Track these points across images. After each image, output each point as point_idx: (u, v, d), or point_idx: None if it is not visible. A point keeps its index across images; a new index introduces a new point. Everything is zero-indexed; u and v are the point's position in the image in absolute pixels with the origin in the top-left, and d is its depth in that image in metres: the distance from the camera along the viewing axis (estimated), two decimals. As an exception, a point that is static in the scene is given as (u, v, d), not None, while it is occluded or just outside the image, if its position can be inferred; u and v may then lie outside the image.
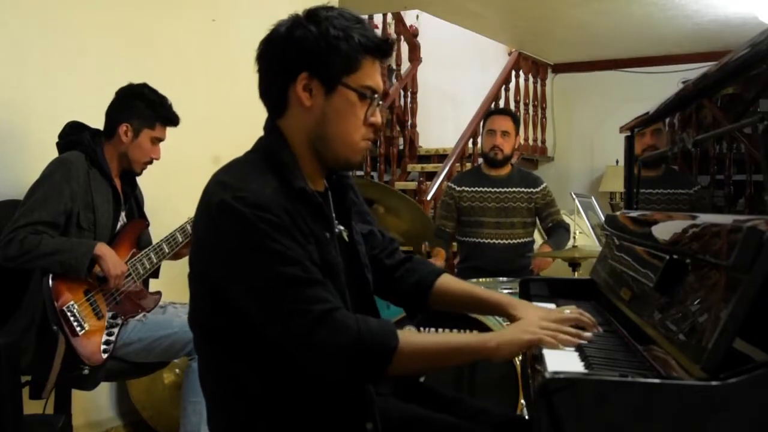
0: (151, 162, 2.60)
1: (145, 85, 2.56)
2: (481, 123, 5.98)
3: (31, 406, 2.29)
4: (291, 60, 1.37)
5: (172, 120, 2.59)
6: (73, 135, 2.50)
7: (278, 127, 1.43)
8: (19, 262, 2.24)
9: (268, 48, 1.41)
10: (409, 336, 1.33)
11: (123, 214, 2.58)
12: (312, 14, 1.39)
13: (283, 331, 1.28)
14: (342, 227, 1.52)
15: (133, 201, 2.65)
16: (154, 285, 2.65)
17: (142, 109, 2.52)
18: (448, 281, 1.66)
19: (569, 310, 1.55)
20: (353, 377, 1.31)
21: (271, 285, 1.27)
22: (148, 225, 2.66)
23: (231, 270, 1.31)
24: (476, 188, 3.75)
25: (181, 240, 2.61)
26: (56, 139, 2.57)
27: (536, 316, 1.48)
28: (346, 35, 1.36)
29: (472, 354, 1.39)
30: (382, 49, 1.41)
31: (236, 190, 1.30)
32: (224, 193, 1.31)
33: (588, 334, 1.42)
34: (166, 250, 2.57)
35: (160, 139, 2.58)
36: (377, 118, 1.43)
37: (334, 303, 1.28)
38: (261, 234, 1.27)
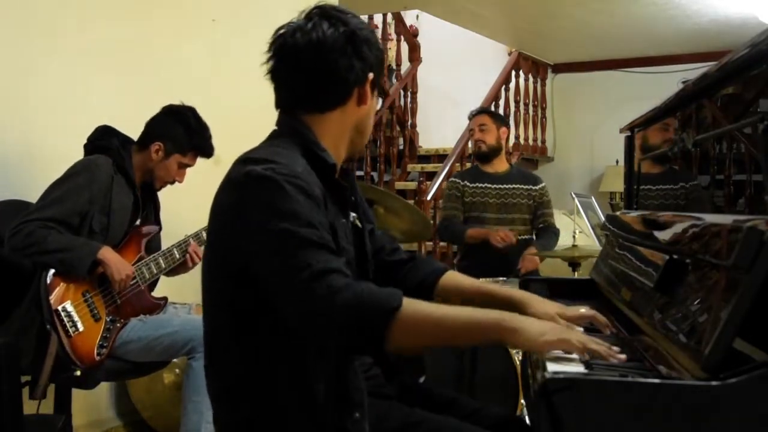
0: (173, 183, 2.59)
1: (191, 110, 2.56)
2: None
3: (31, 406, 2.29)
4: (366, 60, 1.43)
5: (206, 151, 2.58)
6: (102, 139, 2.49)
7: (303, 120, 1.45)
8: (24, 254, 2.24)
9: (345, 47, 1.41)
10: (416, 302, 1.27)
11: (139, 221, 2.57)
12: (353, 15, 1.46)
13: (286, 288, 1.25)
14: (354, 214, 1.56)
15: (151, 208, 2.65)
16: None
17: (180, 133, 2.51)
18: (453, 277, 1.64)
19: (584, 309, 1.55)
20: (351, 339, 1.24)
21: (286, 242, 1.25)
22: (159, 230, 2.65)
23: (251, 230, 1.29)
24: (477, 184, 3.79)
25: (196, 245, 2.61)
26: (57, 140, 2.57)
27: (554, 312, 1.47)
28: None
29: (486, 332, 1.28)
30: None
31: (266, 163, 1.32)
32: (252, 166, 1.32)
33: (623, 356, 1.28)
34: (177, 256, 2.57)
35: (189, 165, 2.58)
36: None
37: (339, 266, 1.25)
38: (287, 196, 1.27)
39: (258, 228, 1.29)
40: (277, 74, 1.46)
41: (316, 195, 1.32)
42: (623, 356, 1.27)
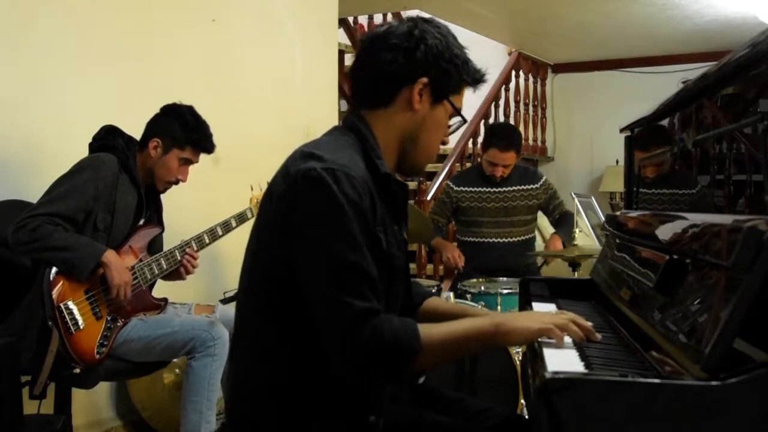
0: (176, 182, 2.57)
1: (188, 107, 2.56)
2: (484, 128, 5.99)
3: (31, 406, 2.29)
4: (418, 62, 1.42)
5: (204, 145, 2.57)
6: (107, 139, 2.49)
7: (363, 117, 1.46)
8: (28, 249, 2.23)
9: (396, 42, 1.42)
10: (429, 333, 1.31)
11: (143, 221, 2.57)
12: (436, 25, 1.47)
13: (326, 317, 1.28)
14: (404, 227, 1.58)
15: (153, 209, 2.65)
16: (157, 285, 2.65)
17: (176, 128, 2.51)
18: (436, 302, 1.71)
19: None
20: (375, 378, 1.33)
21: (332, 265, 1.27)
22: (162, 231, 2.65)
23: (301, 237, 1.31)
24: (475, 188, 3.75)
25: (196, 249, 2.60)
26: (57, 141, 2.57)
27: (540, 313, 1.52)
28: (465, 59, 1.49)
29: (486, 340, 1.39)
30: (480, 82, 1.56)
31: (328, 163, 1.32)
32: (315, 162, 1.32)
33: (599, 336, 1.42)
34: (178, 258, 2.57)
35: (190, 161, 2.56)
36: (447, 138, 1.55)
37: (374, 305, 1.28)
38: (341, 212, 1.28)
39: (306, 236, 1.30)
40: (352, 70, 1.49)
41: (364, 208, 1.32)
42: (598, 336, 1.42)
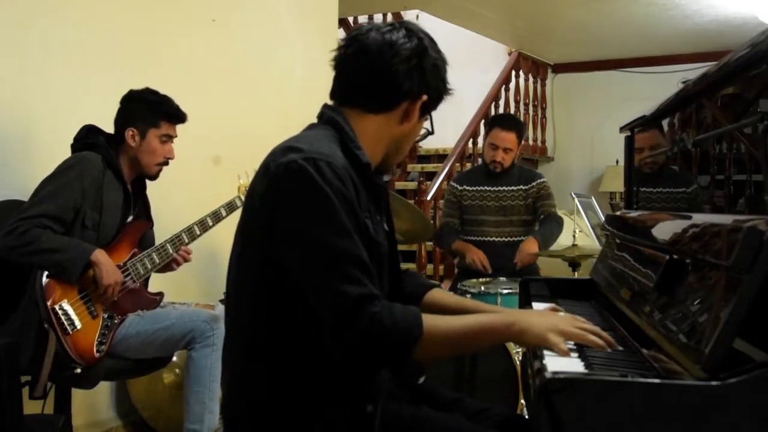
0: (166, 163, 2.57)
1: (146, 89, 2.56)
2: (485, 127, 5.98)
3: (31, 406, 2.29)
4: (426, 80, 1.45)
5: (177, 116, 2.57)
6: (89, 138, 2.49)
7: (345, 114, 1.47)
8: (18, 253, 2.23)
9: (408, 55, 1.43)
10: (433, 322, 1.33)
11: (131, 217, 2.57)
12: (428, 35, 1.47)
13: (323, 307, 1.29)
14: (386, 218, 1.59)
15: (141, 205, 2.65)
16: (154, 285, 2.64)
17: (144, 110, 2.51)
18: (440, 295, 1.70)
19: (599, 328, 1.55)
20: (376, 365, 1.36)
21: (323, 254, 1.29)
22: (151, 226, 2.65)
23: (288, 231, 1.32)
24: (477, 187, 3.79)
25: (187, 241, 2.60)
26: (57, 140, 2.57)
27: (556, 317, 1.48)
28: (446, 76, 1.51)
29: (496, 337, 1.40)
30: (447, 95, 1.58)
31: (307, 153, 1.33)
32: (294, 155, 1.33)
33: (618, 348, 1.41)
34: (170, 251, 2.57)
35: (170, 137, 2.56)
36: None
37: (371, 289, 1.30)
38: (326, 200, 1.30)
39: (295, 228, 1.31)
40: (339, 63, 1.49)
41: (349, 196, 1.33)
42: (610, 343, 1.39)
